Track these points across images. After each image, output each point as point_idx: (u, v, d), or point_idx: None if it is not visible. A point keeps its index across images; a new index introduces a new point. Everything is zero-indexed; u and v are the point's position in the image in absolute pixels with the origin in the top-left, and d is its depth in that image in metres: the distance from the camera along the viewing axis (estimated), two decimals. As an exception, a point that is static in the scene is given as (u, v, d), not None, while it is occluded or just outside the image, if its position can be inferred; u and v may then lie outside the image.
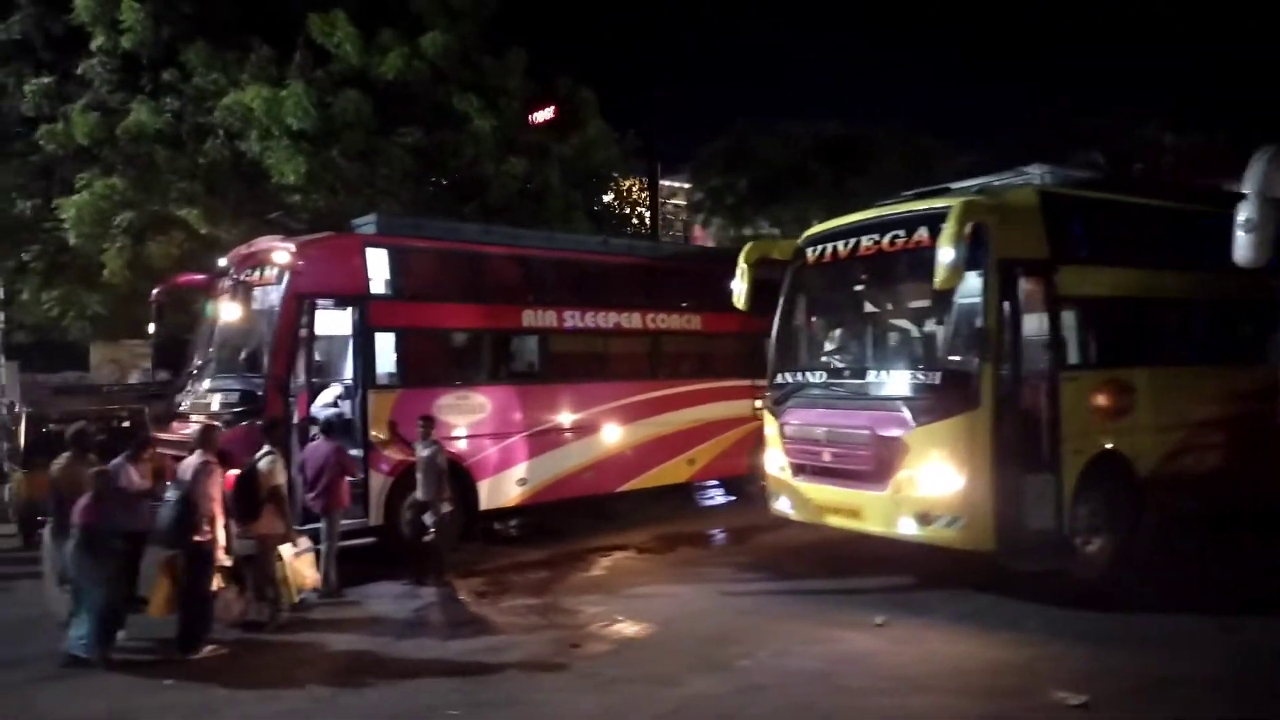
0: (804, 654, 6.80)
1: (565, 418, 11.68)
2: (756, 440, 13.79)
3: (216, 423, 8.15)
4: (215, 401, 9.68)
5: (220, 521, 7.29)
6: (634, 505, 12.70)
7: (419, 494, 9.38)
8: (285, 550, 7.86)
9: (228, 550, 7.40)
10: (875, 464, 8.28)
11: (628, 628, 7.61)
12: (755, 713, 5.75)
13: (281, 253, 9.42)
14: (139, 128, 12.44)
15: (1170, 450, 9.15)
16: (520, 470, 11.32)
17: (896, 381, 8.39)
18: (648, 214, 28.16)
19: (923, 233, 8.46)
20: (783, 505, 9.46)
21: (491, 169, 14.68)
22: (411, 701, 6.14)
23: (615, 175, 20.38)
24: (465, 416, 10.75)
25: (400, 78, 13.10)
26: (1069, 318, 8.59)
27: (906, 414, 8.11)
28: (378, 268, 10.32)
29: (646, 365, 12.77)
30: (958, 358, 8.10)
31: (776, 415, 9.49)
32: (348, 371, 10.83)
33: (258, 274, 9.49)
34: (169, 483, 7.82)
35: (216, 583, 7.36)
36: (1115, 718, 5.59)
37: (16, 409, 14.07)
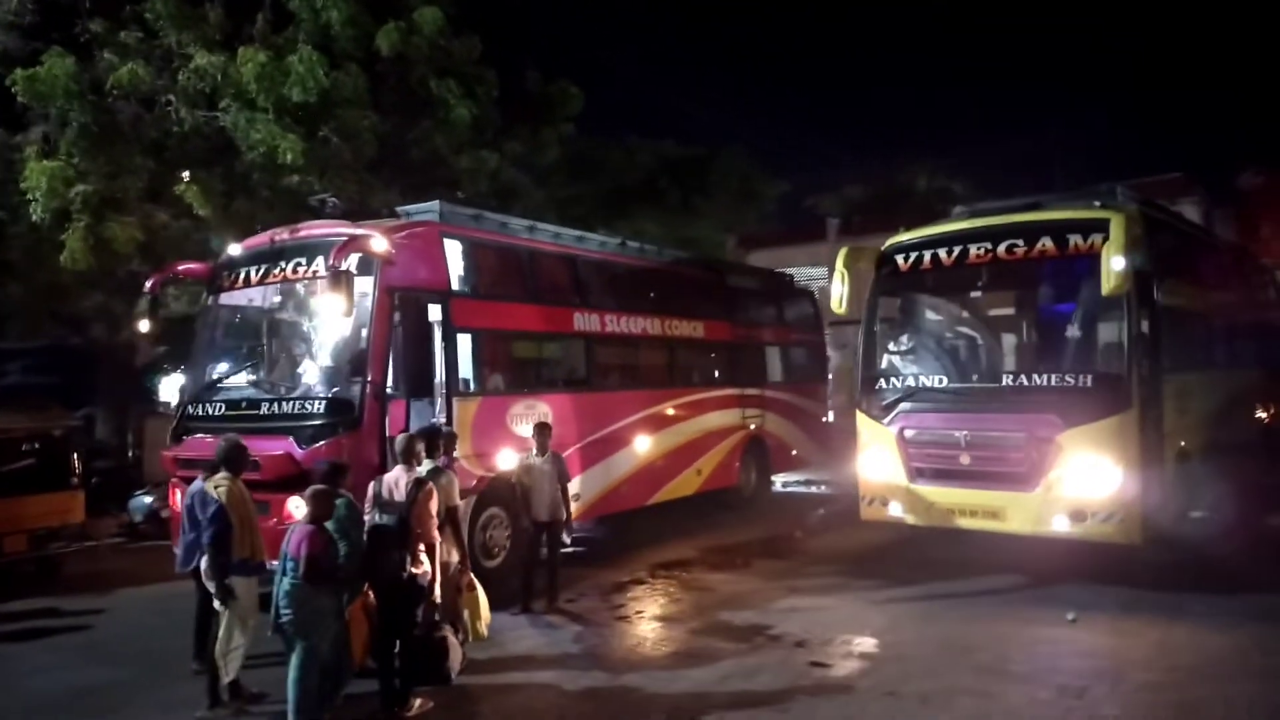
0: (1059, 654, 6.84)
1: (613, 428, 11.03)
2: (744, 449, 13.95)
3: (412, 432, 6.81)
4: (288, 413, 8.14)
5: (438, 550, 6.15)
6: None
7: (538, 513, 8.45)
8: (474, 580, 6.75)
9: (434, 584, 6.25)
10: (1026, 465, 8.52)
11: (846, 643, 7.27)
12: (1110, 711, 5.71)
13: (379, 239, 8.14)
14: (132, 79, 10.13)
15: (1210, 443, 10.17)
16: (574, 485, 10.48)
17: (1044, 384, 8.66)
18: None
19: (1047, 242, 8.88)
20: (893, 510, 9.45)
21: (464, 161, 13.56)
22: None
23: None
24: (518, 424, 9.80)
25: (395, 53, 11.75)
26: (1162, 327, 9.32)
27: (1057, 416, 8.42)
28: (455, 262, 9.22)
29: (673, 372, 12.44)
30: (1105, 361, 8.55)
31: (884, 420, 9.50)
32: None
33: (338, 264, 8.05)
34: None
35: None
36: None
37: None
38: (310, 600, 5.58)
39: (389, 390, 8.19)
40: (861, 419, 9.82)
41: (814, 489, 16.29)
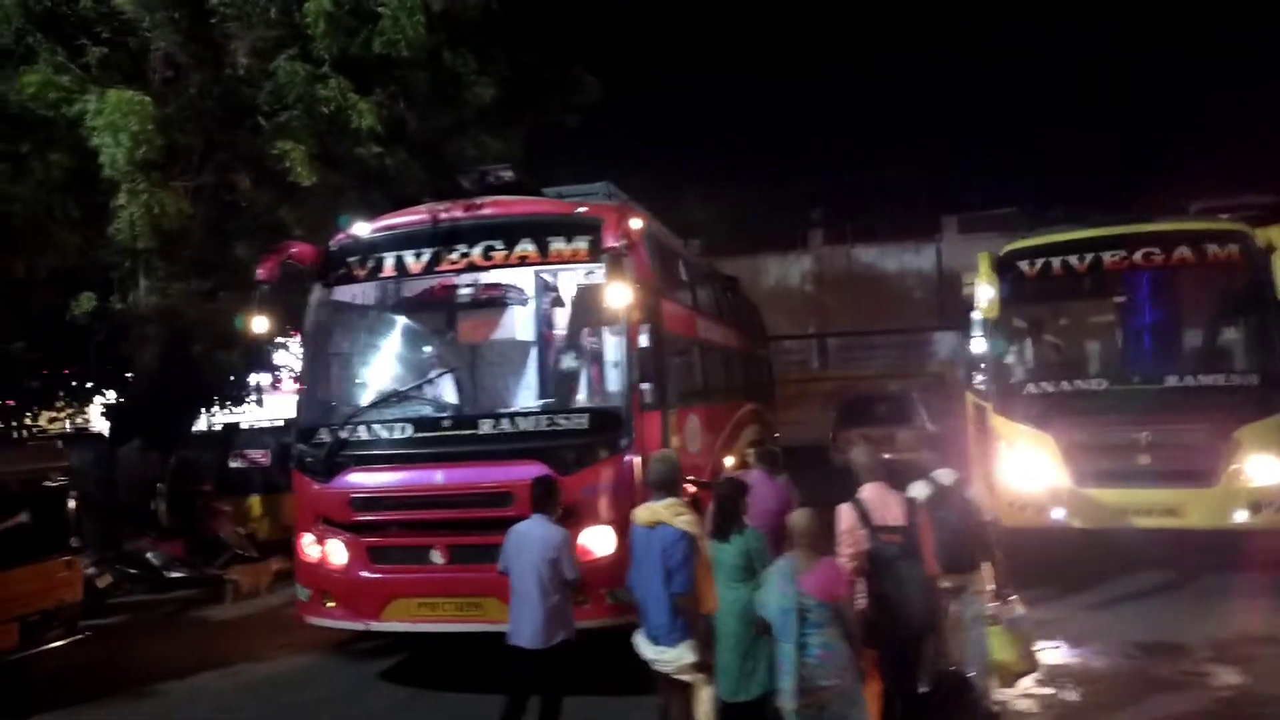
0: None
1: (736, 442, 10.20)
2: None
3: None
4: (528, 431, 6.43)
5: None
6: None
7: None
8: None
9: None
10: (1208, 462, 8.84)
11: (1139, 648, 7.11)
12: None
13: (637, 219, 6.76)
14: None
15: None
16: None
17: (1214, 384, 9.06)
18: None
19: (1185, 250, 9.41)
20: (1054, 515, 9.38)
21: (467, 146, 11.75)
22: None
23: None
24: (694, 440, 8.63)
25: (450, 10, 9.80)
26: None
27: (1230, 414, 8.84)
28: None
29: (745, 386, 11.81)
30: (1267, 360, 9.10)
31: (1039, 425, 9.45)
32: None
33: (615, 244, 6.48)
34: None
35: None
36: None
37: None
38: (856, 653, 4.37)
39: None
40: (1005, 424, 9.70)
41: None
